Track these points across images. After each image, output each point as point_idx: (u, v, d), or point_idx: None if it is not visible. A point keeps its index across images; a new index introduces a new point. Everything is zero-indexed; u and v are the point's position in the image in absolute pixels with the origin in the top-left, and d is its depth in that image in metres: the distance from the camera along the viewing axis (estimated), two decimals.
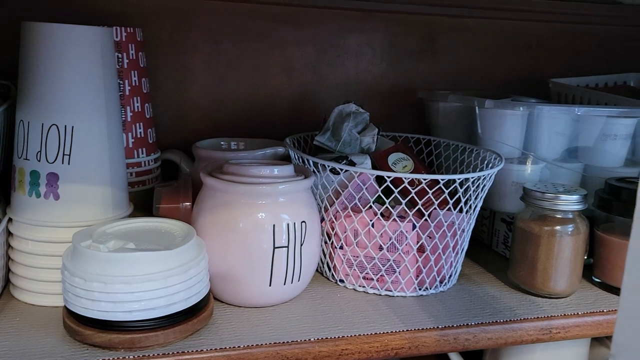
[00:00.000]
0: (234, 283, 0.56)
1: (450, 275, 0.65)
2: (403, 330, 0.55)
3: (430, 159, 0.81)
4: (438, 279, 0.63)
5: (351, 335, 0.53)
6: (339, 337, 0.53)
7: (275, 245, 0.55)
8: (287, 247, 0.56)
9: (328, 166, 0.60)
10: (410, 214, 0.59)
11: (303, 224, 0.57)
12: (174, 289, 0.49)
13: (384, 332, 0.54)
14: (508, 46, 0.97)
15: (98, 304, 0.47)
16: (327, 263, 0.65)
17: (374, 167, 0.68)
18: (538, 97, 0.90)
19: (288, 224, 0.56)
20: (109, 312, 0.47)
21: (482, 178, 0.61)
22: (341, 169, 0.60)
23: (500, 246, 0.75)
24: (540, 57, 0.99)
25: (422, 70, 0.93)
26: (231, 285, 0.56)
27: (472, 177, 0.60)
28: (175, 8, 0.80)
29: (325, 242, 0.64)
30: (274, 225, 0.55)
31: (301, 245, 0.57)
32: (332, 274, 0.65)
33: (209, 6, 0.80)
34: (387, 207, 0.60)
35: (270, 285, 0.56)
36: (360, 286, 0.63)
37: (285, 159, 0.71)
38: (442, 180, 0.58)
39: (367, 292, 0.63)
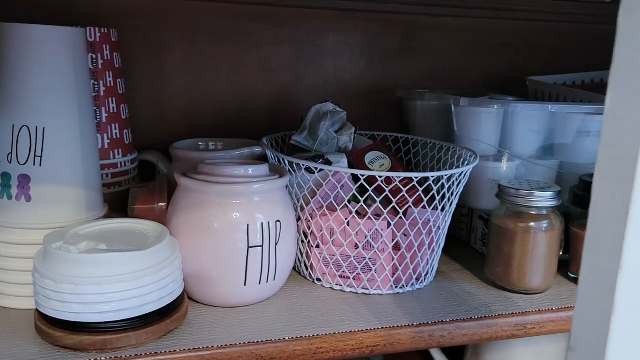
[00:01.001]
0: (209, 283, 0.56)
1: (427, 273, 0.65)
2: (378, 328, 0.55)
3: (408, 158, 0.81)
4: (414, 277, 0.63)
5: (326, 334, 0.54)
6: (313, 335, 0.53)
7: (250, 245, 0.55)
8: (262, 246, 0.56)
9: (303, 165, 0.60)
10: (385, 212, 0.60)
11: (278, 223, 0.57)
12: (146, 290, 0.48)
13: (358, 330, 0.55)
14: (488, 45, 0.98)
15: (69, 305, 0.47)
16: (304, 262, 0.65)
17: (351, 166, 0.68)
18: (519, 95, 0.91)
19: (262, 224, 0.56)
20: (79, 314, 0.47)
21: (457, 175, 0.61)
22: (316, 168, 0.60)
23: (479, 243, 0.76)
24: (520, 55, 1.00)
25: (402, 69, 0.93)
26: (206, 285, 0.56)
27: (445, 175, 0.60)
28: (150, 9, 0.79)
29: (302, 241, 0.64)
30: (248, 225, 0.55)
31: (276, 244, 0.57)
32: (309, 273, 0.65)
33: (185, 6, 0.80)
34: (362, 205, 0.60)
35: (245, 285, 0.56)
36: (337, 285, 0.63)
37: (262, 159, 0.71)
38: (416, 178, 0.58)
39: (344, 291, 0.63)
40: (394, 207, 0.60)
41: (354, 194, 0.64)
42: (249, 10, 0.83)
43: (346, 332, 0.54)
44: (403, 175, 0.58)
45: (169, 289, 0.51)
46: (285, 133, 0.76)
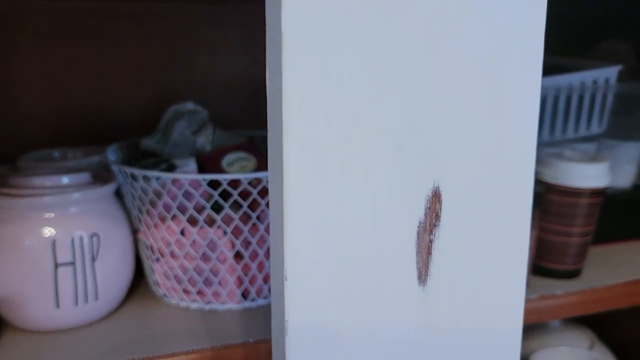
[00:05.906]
0: (19, 306, 0.50)
1: None
2: (206, 348, 0.50)
3: None
4: (266, 288, 0.58)
5: (142, 357, 0.48)
6: None
7: (58, 263, 0.50)
8: (74, 263, 0.50)
9: (128, 172, 0.55)
10: (219, 218, 0.54)
11: (95, 237, 0.51)
12: None
13: (182, 352, 0.49)
14: None
15: None
16: (152, 277, 0.60)
17: (202, 169, 0.63)
18: None
19: (73, 239, 0.50)
20: None
21: None
22: (143, 175, 0.54)
23: None
24: None
25: None
26: (17, 308, 0.51)
27: (244, 178, 0.54)
28: None
29: (147, 255, 0.59)
30: (54, 241, 0.49)
31: (93, 260, 0.51)
32: (157, 289, 0.59)
33: (37, 6, 0.74)
34: (191, 213, 0.54)
35: (58, 307, 0.51)
36: (182, 300, 0.58)
37: None
38: (246, 180, 0.53)
39: (190, 307, 0.57)
40: (238, 213, 0.54)
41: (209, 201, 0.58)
42: (108, 7, 0.77)
43: (166, 354, 0.49)
44: (231, 177, 0.52)
45: None
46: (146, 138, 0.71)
